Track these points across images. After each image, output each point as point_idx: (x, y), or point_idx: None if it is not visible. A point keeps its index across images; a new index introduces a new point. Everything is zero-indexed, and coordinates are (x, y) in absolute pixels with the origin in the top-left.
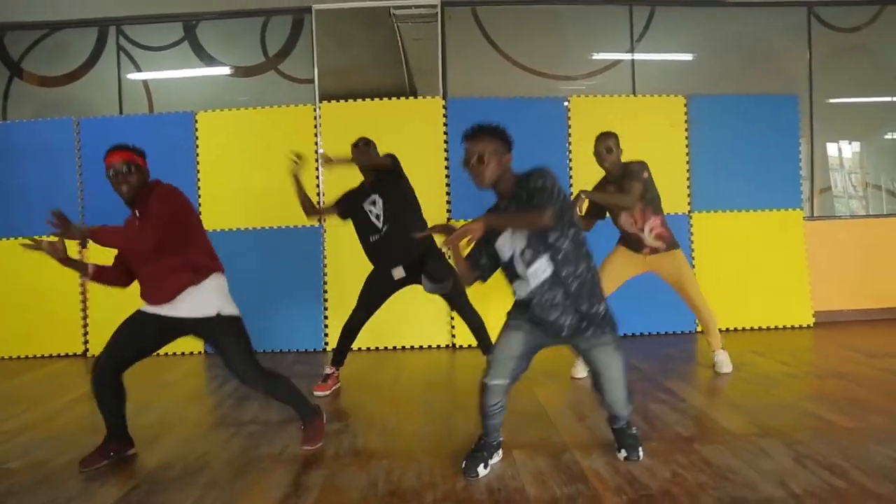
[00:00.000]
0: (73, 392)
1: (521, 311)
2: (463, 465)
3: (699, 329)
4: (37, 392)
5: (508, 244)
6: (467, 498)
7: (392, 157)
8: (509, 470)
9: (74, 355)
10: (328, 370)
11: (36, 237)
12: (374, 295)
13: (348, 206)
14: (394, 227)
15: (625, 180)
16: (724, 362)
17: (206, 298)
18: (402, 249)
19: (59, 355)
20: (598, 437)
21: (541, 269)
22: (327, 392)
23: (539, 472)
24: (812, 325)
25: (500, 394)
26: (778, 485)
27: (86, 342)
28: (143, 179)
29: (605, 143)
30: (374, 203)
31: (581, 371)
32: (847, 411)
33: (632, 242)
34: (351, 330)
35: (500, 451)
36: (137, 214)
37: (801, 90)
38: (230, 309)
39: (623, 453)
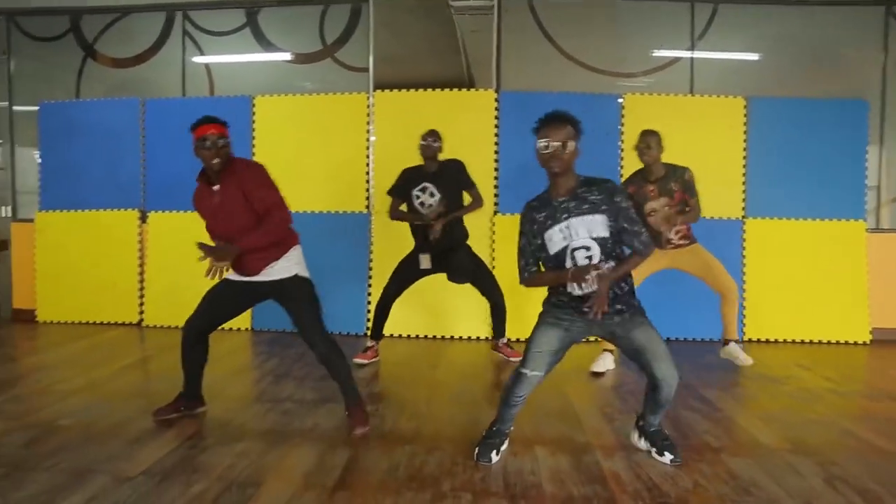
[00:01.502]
0: (125, 359)
1: (559, 304)
2: (476, 452)
3: (746, 338)
4: (92, 357)
5: (560, 239)
6: (484, 490)
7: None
8: (529, 465)
9: (130, 324)
10: (369, 343)
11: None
12: (404, 274)
13: (403, 187)
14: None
15: (687, 195)
16: (742, 355)
17: (286, 265)
18: (440, 245)
19: (115, 323)
20: (623, 440)
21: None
22: (366, 361)
23: (558, 470)
24: (868, 342)
25: (531, 386)
26: None
27: (141, 312)
28: (230, 153)
29: (646, 140)
30: (424, 190)
31: (601, 366)
32: (891, 434)
33: (655, 239)
34: (384, 306)
35: (508, 440)
36: (217, 188)
37: (872, 95)
38: (305, 273)
39: (667, 456)
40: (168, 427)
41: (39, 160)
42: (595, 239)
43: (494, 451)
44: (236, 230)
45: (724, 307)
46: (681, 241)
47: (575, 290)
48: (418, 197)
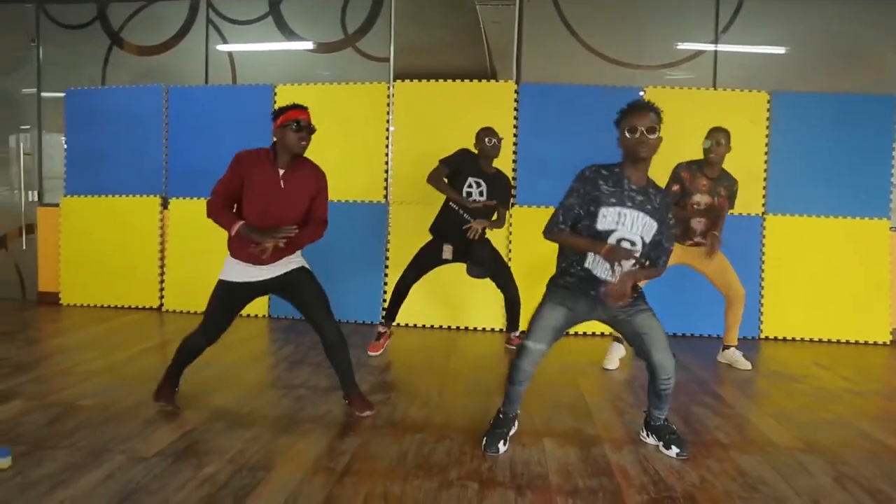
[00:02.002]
0: (144, 343)
1: (567, 285)
2: (483, 442)
3: (763, 336)
4: (113, 340)
5: (613, 222)
6: (490, 479)
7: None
8: (537, 456)
9: (150, 308)
10: (381, 329)
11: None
12: (425, 262)
13: (458, 166)
14: (476, 216)
15: (728, 204)
16: (741, 359)
17: (296, 259)
18: (464, 235)
19: (136, 307)
20: (632, 434)
21: (630, 268)
22: (378, 352)
23: (566, 462)
24: (889, 342)
25: (535, 360)
26: (810, 503)
27: (161, 297)
28: None
29: (717, 137)
30: (478, 185)
31: (613, 362)
32: None
33: (684, 232)
34: (401, 290)
35: (517, 423)
36: (282, 173)
37: None
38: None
39: (674, 450)
40: (181, 410)
41: (65, 146)
42: (642, 239)
43: (502, 442)
44: (287, 219)
45: (729, 311)
46: (701, 240)
47: (596, 268)
48: (471, 186)
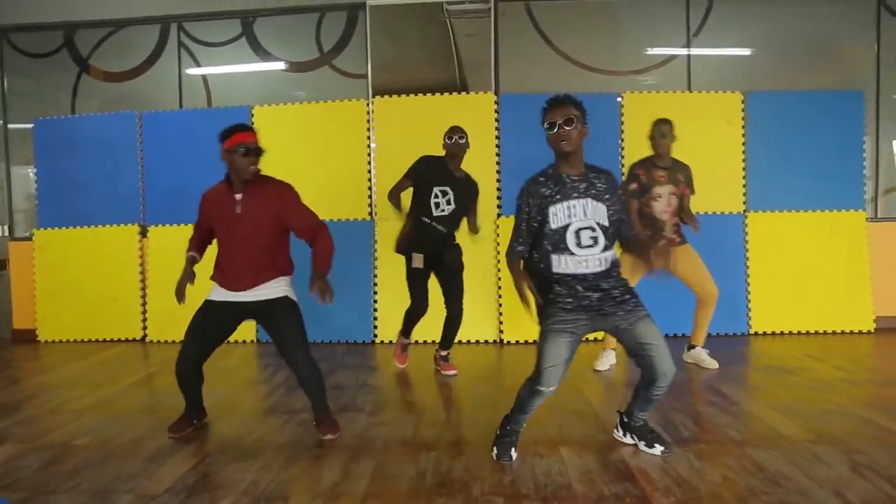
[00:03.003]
0: (131, 376)
1: (564, 305)
2: (494, 452)
3: (752, 331)
4: (99, 375)
5: (565, 216)
6: (514, 493)
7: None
8: (556, 466)
9: (133, 340)
10: (404, 341)
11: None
12: (416, 280)
13: (422, 176)
14: (445, 223)
15: (688, 190)
16: (708, 358)
17: (276, 286)
18: (437, 244)
19: (119, 340)
20: None
21: (600, 254)
22: (406, 364)
23: (587, 470)
24: (872, 330)
25: (547, 398)
26: (833, 493)
27: (144, 328)
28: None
29: (661, 129)
30: (444, 194)
31: (604, 363)
32: None
33: (654, 227)
34: (415, 318)
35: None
36: (239, 198)
37: (866, 86)
38: (294, 298)
39: (658, 448)
40: (184, 443)
41: (35, 177)
42: (598, 224)
43: (513, 449)
44: (251, 244)
45: (701, 311)
46: (674, 236)
47: (568, 266)
48: (437, 197)
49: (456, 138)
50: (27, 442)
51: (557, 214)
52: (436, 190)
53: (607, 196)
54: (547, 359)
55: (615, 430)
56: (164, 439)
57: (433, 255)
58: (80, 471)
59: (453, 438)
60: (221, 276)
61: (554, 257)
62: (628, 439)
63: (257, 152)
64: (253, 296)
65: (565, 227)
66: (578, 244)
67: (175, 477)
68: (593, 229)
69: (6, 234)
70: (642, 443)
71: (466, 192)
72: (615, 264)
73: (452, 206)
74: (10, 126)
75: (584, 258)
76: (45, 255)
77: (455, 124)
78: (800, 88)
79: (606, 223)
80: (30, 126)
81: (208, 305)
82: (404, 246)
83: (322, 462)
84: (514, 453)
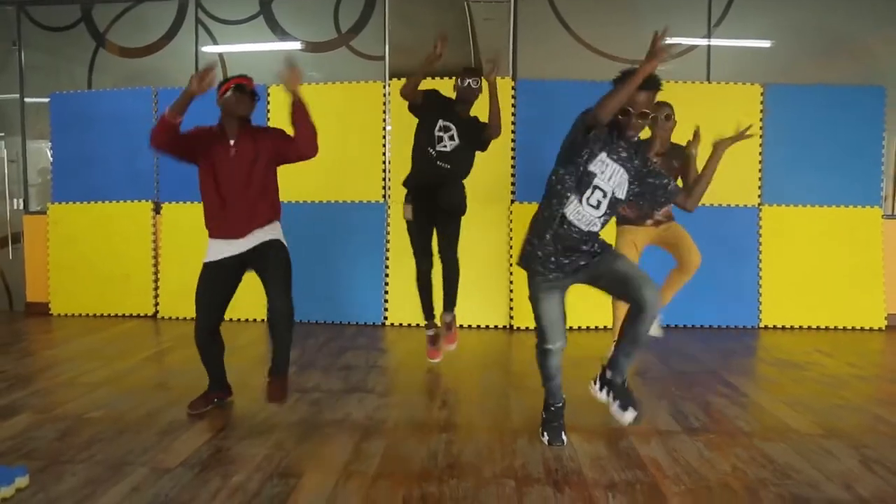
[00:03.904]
0: (144, 351)
1: (544, 259)
2: (546, 437)
3: (762, 325)
4: (111, 349)
5: (600, 168)
6: (526, 475)
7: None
8: (567, 451)
9: (146, 316)
10: (429, 332)
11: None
12: (417, 235)
13: (429, 105)
14: (447, 160)
15: (686, 170)
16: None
17: (270, 230)
18: (437, 178)
19: (130, 315)
20: (656, 426)
21: (597, 218)
22: (439, 358)
23: (597, 457)
24: (884, 327)
25: (559, 354)
26: (843, 487)
27: (156, 304)
28: None
29: (665, 110)
30: (447, 129)
31: None
32: None
33: (634, 219)
34: (422, 282)
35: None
36: (232, 143)
37: (888, 81)
38: (285, 243)
39: (629, 414)
40: (197, 419)
41: (51, 152)
42: (613, 194)
43: (563, 433)
44: (241, 186)
45: (677, 275)
46: (663, 219)
47: (581, 219)
48: (441, 130)
49: (470, 82)
50: (42, 413)
51: (596, 162)
52: (440, 123)
53: (634, 174)
54: (544, 317)
55: (591, 384)
56: (178, 414)
57: (430, 195)
58: (94, 442)
59: (464, 421)
60: (218, 225)
61: (571, 196)
62: (603, 395)
63: (252, 95)
64: (247, 244)
65: (593, 175)
66: (588, 199)
67: (189, 451)
68: (605, 194)
69: (21, 207)
70: (616, 402)
71: (473, 130)
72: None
73: (456, 143)
74: (27, 100)
75: (583, 212)
76: (59, 230)
77: (469, 66)
78: (821, 82)
79: (622, 197)
80: (46, 100)
81: (207, 267)
82: (409, 185)
83: (334, 440)
84: (564, 437)
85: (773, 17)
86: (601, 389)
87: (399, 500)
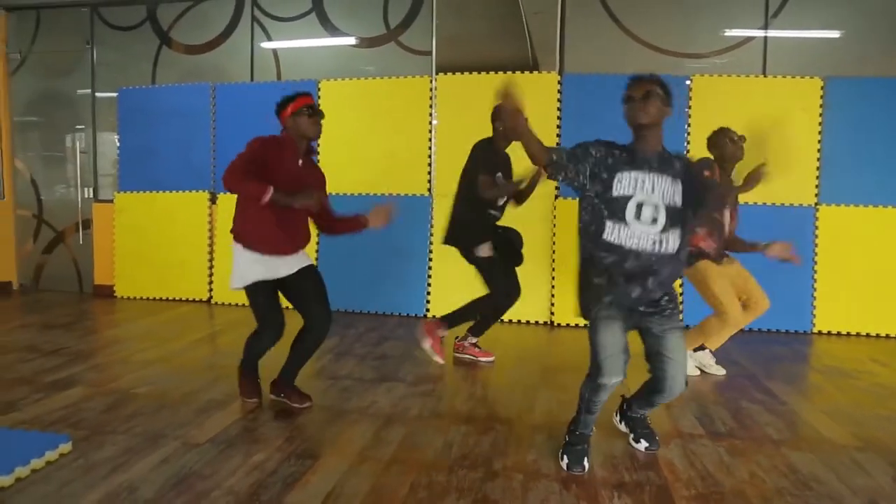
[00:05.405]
0: (196, 334)
1: (603, 293)
2: (565, 462)
3: (815, 330)
4: (164, 331)
5: (630, 187)
6: (535, 471)
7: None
8: None
9: (200, 301)
10: (445, 334)
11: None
12: (507, 271)
13: (495, 165)
14: (501, 209)
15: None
16: (715, 366)
17: (306, 255)
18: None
19: (186, 300)
20: (678, 427)
21: (658, 234)
22: (493, 357)
23: (611, 456)
24: None
25: (611, 391)
26: (867, 503)
27: (210, 290)
28: None
29: (730, 135)
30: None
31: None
32: None
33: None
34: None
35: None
36: (301, 164)
37: None
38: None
39: (643, 444)
40: (234, 399)
41: (118, 144)
42: (667, 206)
43: (585, 458)
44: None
45: (742, 317)
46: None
47: (630, 238)
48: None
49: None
50: (95, 387)
51: (622, 181)
52: (499, 177)
53: (684, 178)
54: (602, 348)
55: (615, 415)
56: (216, 393)
57: (498, 240)
58: (136, 416)
59: (486, 415)
60: (266, 240)
61: (609, 224)
62: (623, 427)
63: (321, 114)
64: (288, 268)
65: (627, 198)
66: (637, 217)
67: (219, 429)
68: (657, 207)
69: (91, 196)
70: (632, 434)
71: (509, 167)
72: (678, 256)
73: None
74: (98, 94)
75: (638, 233)
76: (125, 217)
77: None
78: (886, 75)
79: (678, 203)
80: (115, 95)
81: (261, 286)
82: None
83: (356, 427)
84: (586, 463)
85: (836, 6)
86: (621, 422)
87: (406, 486)
